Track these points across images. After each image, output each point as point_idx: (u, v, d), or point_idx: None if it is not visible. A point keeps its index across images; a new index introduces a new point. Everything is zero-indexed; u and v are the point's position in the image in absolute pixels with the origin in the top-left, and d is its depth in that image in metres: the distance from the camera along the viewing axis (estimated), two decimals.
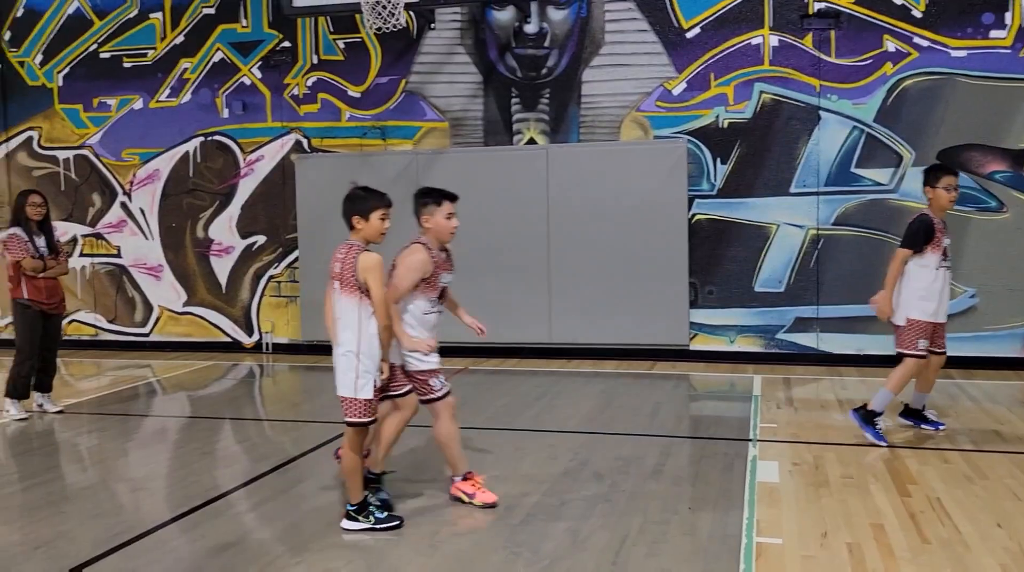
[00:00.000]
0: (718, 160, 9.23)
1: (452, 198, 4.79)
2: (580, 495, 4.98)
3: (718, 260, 9.29)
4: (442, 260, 4.81)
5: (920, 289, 5.86)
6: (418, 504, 4.88)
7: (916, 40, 8.70)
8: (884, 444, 5.88)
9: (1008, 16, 8.45)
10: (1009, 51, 8.46)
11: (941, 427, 6.24)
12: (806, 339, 9.13)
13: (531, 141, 9.78)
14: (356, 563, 4.13)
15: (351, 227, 4.46)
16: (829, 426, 6.55)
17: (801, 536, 4.32)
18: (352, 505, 4.54)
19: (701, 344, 9.38)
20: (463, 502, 4.85)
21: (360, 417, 4.40)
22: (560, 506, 4.83)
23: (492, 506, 4.78)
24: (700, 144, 9.26)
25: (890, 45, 8.77)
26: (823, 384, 8.12)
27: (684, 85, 9.32)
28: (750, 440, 6.14)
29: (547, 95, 9.72)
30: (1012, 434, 6.13)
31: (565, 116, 9.69)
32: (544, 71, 9.71)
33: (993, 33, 8.51)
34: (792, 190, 9.07)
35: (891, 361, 8.68)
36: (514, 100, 9.82)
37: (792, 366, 8.90)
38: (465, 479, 4.89)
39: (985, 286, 8.63)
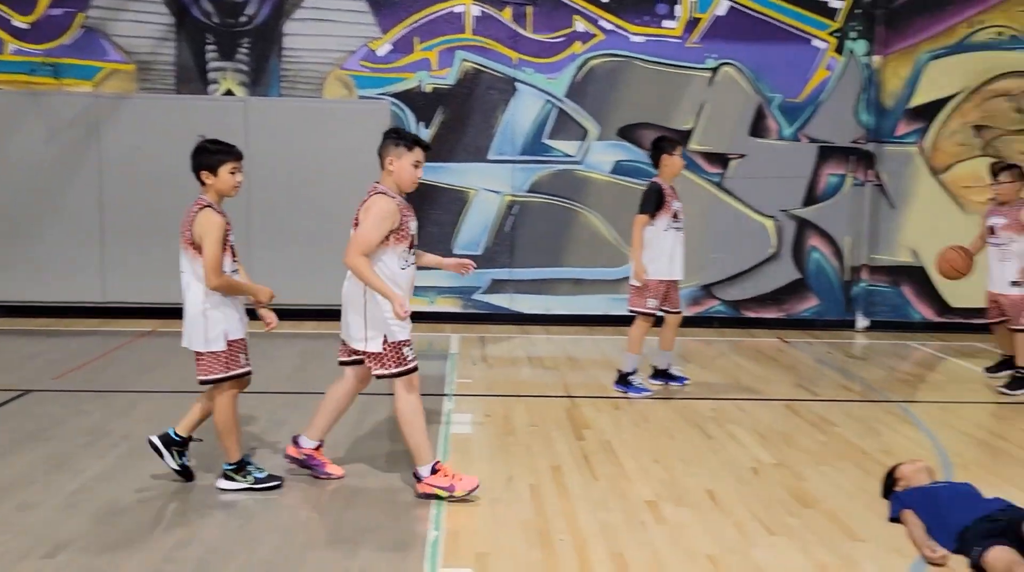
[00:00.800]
0: (421, 124, 9.38)
1: (426, 147, 4.45)
2: (278, 454, 4.90)
3: (419, 223, 9.42)
4: (406, 206, 4.44)
5: (651, 250, 6.33)
6: None
7: (602, 23, 9.40)
8: (648, 392, 6.42)
9: (678, 8, 9.39)
10: (679, 40, 9.42)
11: (686, 381, 6.81)
12: (500, 300, 9.63)
13: (228, 92, 9.31)
14: (28, 537, 3.77)
15: (201, 182, 4.29)
16: (519, 380, 7.00)
17: (489, 481, 4.59)
18: (230, 464, 4.37)
19: None
20: (440, 498, 4.31)
21: (216, 373, 4.30)
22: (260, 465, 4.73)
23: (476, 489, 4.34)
24: (404, 107, 9.35)
25: (579, 25, 9.40)
26: (515, 342, 8.63)
27: (389, 47, 9.34)
28: (446, 395, 6.40)
29: (247, 44, 9.28)
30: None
31: (266, 68, 9.32)
32: (243, 19, 9.25)
33: (665, 23, 9.42)
34: (490, 157, 9.47)
35: (575, 320, 9.53)
36: (209, 47, 9.26)
37: (487, 325, 9.36)
38: (434, 472, 4.35)
39: None
